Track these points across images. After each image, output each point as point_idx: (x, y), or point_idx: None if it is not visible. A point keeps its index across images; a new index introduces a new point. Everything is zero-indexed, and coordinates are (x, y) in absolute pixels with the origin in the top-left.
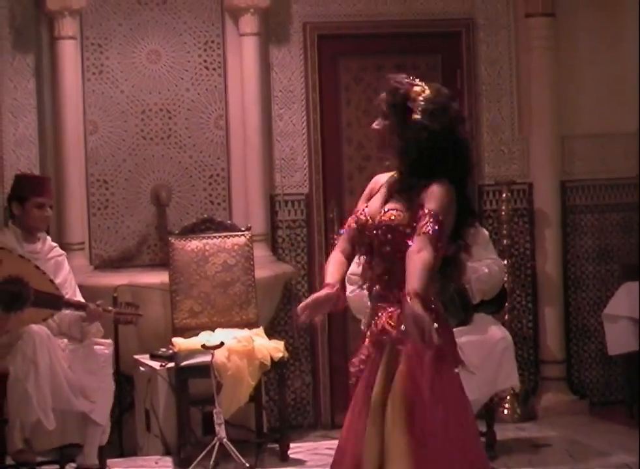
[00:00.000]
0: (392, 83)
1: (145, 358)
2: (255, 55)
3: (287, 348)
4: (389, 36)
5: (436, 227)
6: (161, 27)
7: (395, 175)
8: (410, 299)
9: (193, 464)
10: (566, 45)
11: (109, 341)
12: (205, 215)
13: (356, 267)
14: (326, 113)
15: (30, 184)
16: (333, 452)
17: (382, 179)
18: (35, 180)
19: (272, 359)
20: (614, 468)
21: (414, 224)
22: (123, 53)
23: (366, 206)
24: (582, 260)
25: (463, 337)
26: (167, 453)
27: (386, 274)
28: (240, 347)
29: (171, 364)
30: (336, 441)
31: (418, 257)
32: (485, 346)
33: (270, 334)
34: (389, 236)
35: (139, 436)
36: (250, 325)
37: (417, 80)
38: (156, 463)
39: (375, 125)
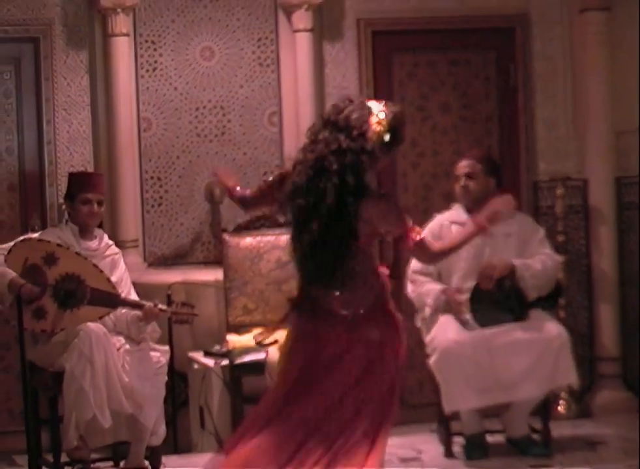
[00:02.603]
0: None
1: (199, 355)
2: (309, 52)
3: None
4: (443, 32)
5: None
6: (214, 24)
7: None
8: None
9: None
10: (621, 40)
11: (166, 348)
12: (260, 213)
13: (419, 265)
14: None
15: (78, 181)
16: (388, 449)
17: None
18: (82, 177)
19: None
20: None
21: None
22: (176, 50)
23: None
24: (638, 257)
25: (520, 334)
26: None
27: None
28: None
29: (225, 361)
30: (391, 438)
31: None
32: (541, 342)
33: None
34: None
35: (194, 434)
36: None
37: None
38: None
39: None
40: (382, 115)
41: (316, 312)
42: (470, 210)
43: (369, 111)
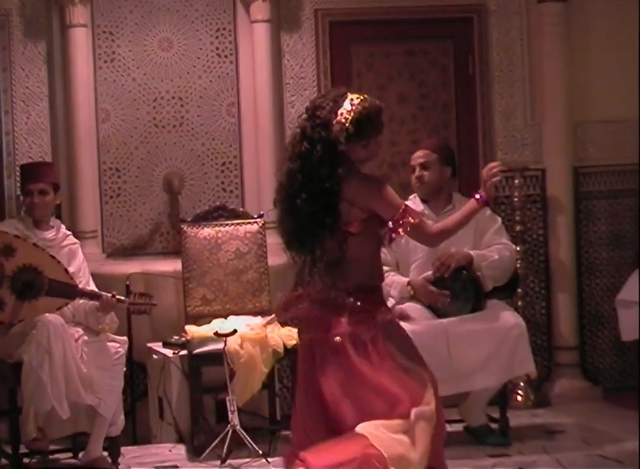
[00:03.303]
0: (377, 104)
1: (158, 346)
2: (267, 42)
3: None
4: (400, 22)
5: None
6: (172, 15)
7: None
8: None
9: (206, 452)
10: (578, 30)
11: (124, 338)
12: (217, 203)
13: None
14: None
15: (23, 172)
16: None
17: None
18: (26, 168)
19: (285, 346)
20: (628, 454)
21: None
22: (135, 41)
23: None
24: (596, 246)
25: (477, 324)
26: (180, 440)
27: None
28: (253, 335)
29: (184, 352)
30: None
31: None
32: (499, 332)
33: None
34: None
35: (153, 424)
36: (263, 312)
37: None
38: (170, 451)
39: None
40: (348, 107)
41: (313, 298)
42: (425, 200)
43: (340, 103)
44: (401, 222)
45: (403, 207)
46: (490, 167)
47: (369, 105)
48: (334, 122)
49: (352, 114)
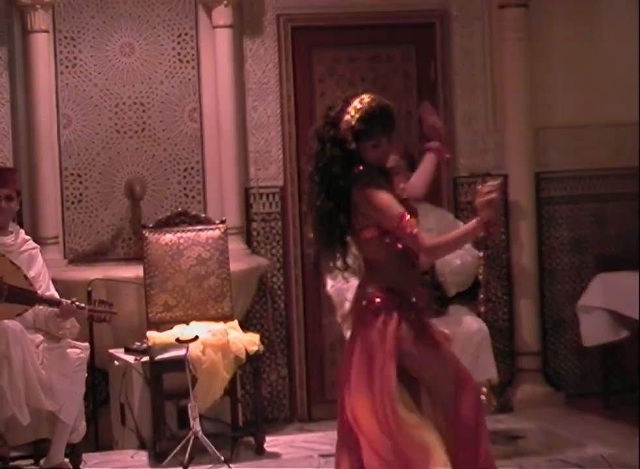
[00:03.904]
0: (392, 107)
1: (119, 352)
2: (229, 48)
3: (262, 341)
4: (363, 27)
5: None
6: (134, 20)
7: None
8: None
9: (168, 458)
10: (539, 36)
11: (85, 344)
12: (179, 209)
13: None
14: (301, 105)
15: None
16: (309, 445)
17: None
18: None
19: (247, 352)
20: (590, 459)
21: None
22: (96, 46)
23: None
24: (557, 252)
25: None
26: (142, 447)
27: None
28: (215, 341)
29: (146, 358)
30: (312, 434)
31: None
32: (461, 337)
33: (245, 327)
34: None
35: (115, 431)
36: (225, 318)
37: None
38: (132, 457)
39: (389, 149)
40: (358, 106)
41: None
42: None
43: (350, 102)
44: (398, 233)
45: (399, 218)
46: (482, 191)
47: (376, 103)
48: (343, 121)
49: (359, 112)
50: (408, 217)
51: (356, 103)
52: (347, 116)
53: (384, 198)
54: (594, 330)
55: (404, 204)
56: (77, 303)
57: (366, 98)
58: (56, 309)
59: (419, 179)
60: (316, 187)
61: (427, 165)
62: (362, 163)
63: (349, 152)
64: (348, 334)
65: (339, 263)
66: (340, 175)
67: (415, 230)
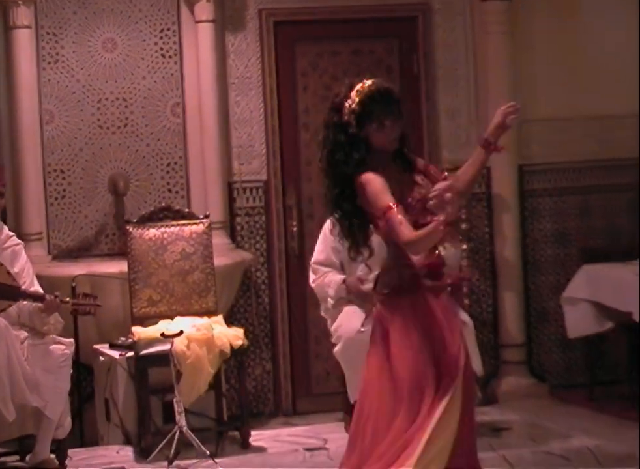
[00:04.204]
0: (393, 89)
1: (104, 348)
2: (211, 42)
3: (246, 336)
4: (345, 21)
5: None
6: (116, 15)
7: (372, 166)
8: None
9: (153, 453)
10: (522, 29)
11: (70, 340)
12: (163, 204)
13: (321, 256)
14: (283, 99)
15: None
16: (294, 439)
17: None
18: None
19: (231, 346)
20: (575, 451)
21: None
22: (79, 42)
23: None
24: (541, 244)
25: None
26: (127, 442)
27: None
28: (199, 335)
29: (131, 353)
30: (297, 428)
31: None
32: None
33: (229, 322)
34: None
35: (100, 426)
36: (209, 313)
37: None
38: (117, 452)
39: (394, 131)
40: (359, 90)
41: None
42: None
43: (354, 87)
44: (382, 224)
45: (384, 209)
46: (505, 110)
47: (376, 86)
48: (345, 106)
49: (359, 95)
50: (394, 209)
51: (358, 88)
52: (349, 101)
53: (376, 187)
54: (579, 322)
55: (415, 196)
56: (60, 297)
57: (368, 82)
58: (40, 304)
59: (465, 173)
60: (324, 176)
61: (476, 159)
62: (368, 148)
63: (354, 137)
64: (332, 327)
65: (361, 249)
66: (343, 161)
67: (398, 223)
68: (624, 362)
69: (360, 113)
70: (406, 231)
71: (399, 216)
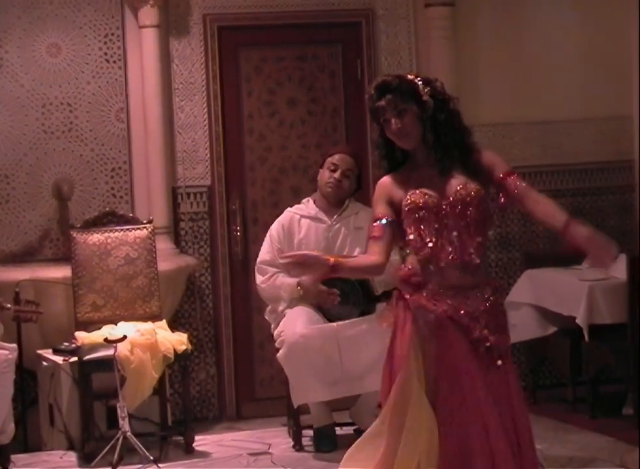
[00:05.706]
0: (390, 81)
1: (48, 353)
2: (155, 47)
3: (190, 341)
4: (289, 26)
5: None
6: (60, 20)
7: (408, 166)
8: (574, 225)
9: (97, 458)
10: (465, 34)
11: (13, 345)
12: (107, 209)
13: (267, 257)
14: (228, 105)
15: None
16: (238, 443)
17: (387, 181)
18: None
19: (175, 351)
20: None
21: (485, 191)
22: (22, 47)
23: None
24: (492, 246)
25: (365, 326)
26: (71, 447)
27: (457, 243)
28: (143, 340)
29: (74, 358)
30: (241, 433)
31: (546, 199)
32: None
33: (173, 327)
34: (470, 209)
35: (43, 432)
36: (153, 318)
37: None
38: (61, 458)
39: (395, 126)
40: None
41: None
42: (321, 205)
43: None
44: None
45: (372, 220)
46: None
47: (375, 82)
48: None
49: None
50: (376, 225)
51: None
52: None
53: (375, 195)
54: (522, 326)
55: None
56: (2, 303)
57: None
58: None
59: (547, 215)
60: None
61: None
62: (392, 147)
63: (380, 138)
64: (275, 332)
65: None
66: (379, 162)
67: (369, 239)
68: (566, 366)
69: (369, 113)
70: (367, 252)
71: (374, 234)
